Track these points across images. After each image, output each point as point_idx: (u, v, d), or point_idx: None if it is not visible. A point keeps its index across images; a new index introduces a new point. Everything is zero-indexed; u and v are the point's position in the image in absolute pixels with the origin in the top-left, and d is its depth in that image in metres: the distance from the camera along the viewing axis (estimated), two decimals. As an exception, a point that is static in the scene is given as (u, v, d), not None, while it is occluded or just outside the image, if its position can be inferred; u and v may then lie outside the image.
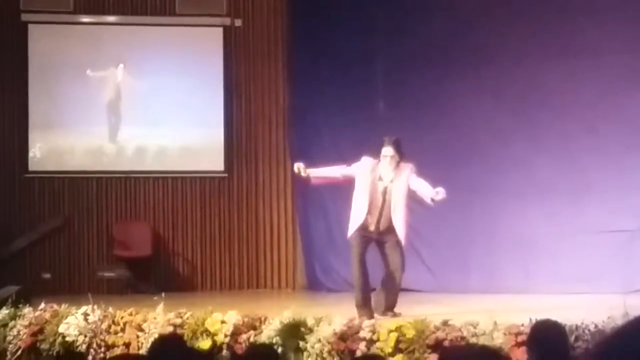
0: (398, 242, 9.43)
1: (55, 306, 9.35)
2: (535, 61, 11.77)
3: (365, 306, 9.25)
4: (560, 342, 5.63)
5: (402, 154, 9.47)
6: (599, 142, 11.38)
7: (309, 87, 13.24)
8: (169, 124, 13.71)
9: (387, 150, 9.42)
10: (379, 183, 9.42)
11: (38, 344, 9.05)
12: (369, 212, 9.38)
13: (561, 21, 11.69)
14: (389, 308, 9.46)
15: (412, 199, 9.55)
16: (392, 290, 9.57)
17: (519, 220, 11.73)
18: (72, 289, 13.00)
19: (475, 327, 7.21)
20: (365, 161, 9.54)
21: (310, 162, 10.20)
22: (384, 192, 9.39)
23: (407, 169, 9.45)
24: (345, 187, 9.82)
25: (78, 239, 13.57)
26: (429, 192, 9.30)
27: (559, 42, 11.65)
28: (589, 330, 6.88)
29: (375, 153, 9.53)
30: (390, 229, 9.40)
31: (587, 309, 7.64)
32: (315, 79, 13.14)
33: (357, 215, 9.43)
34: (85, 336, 8.79)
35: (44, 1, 13.68)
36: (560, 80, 11.63)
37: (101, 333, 8.76)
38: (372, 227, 9.41)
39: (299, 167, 9.73)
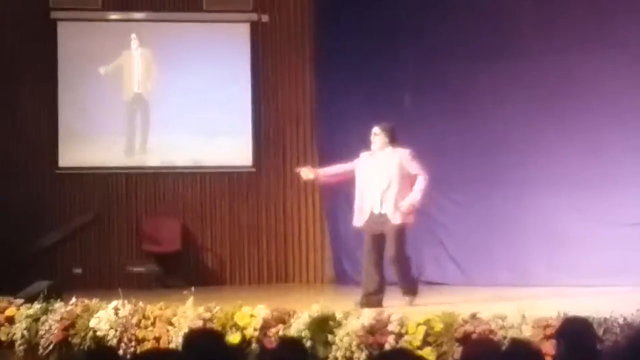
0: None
1: (86, 301, 9.40)
2: (564, 54, 11.71)
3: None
4: (589, 337, 5.66)
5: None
6: (627, 134, 11.31)
7: (335, 82, 13.25)
8: (198, 120, 13.76)
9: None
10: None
11: (69, 339, 9.11)
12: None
13: (590, 13, 11.62)
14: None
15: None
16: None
17: (546, 212, 11.70)
18: (102, 283, 13.07)
19: (503, 320, 7.21)
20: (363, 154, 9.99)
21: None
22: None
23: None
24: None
25: (108, 234, 13.66)
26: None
27: (588, 35, 11.56)
28: (617, 322, 6.87)
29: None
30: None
31: (616, 302, 7.62)
32: (342, 74, 13.14)
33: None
34: (116, 330, 8.85)
35: (73, -1, 13.82)
36: (588, 73, 11.56)
37: (132, 327, 8.80)
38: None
39: (305, 171, 10.24)
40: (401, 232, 9.69)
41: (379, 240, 9.75)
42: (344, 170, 10.14)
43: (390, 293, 9.97)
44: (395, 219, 9.63)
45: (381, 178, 9.71)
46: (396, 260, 9.67)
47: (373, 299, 9.53)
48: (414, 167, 9.73)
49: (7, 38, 13.57)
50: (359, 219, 9.89)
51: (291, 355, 5.32)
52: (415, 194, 9.68)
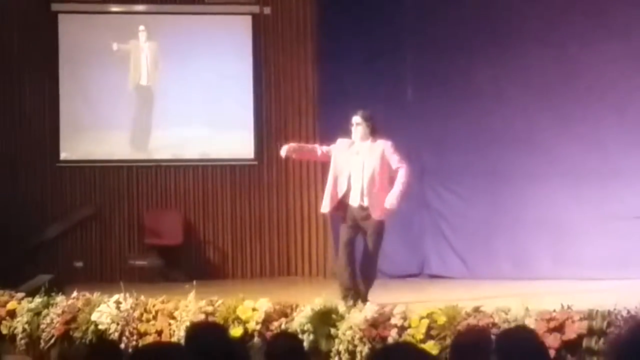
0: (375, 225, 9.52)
1: (88, 294, 9.40)
2: (564, 45, 11.71)
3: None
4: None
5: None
6: (629, 126, 11.31)
7: (338, 75, 13.20)
8: (200, 113, 13.73)
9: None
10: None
11: (71, 332, 9.10)
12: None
13: (590, 6, 11.61)
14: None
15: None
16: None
17: (549, 205, 11.69)
18: (104, 277, 13.08)
19: (506, 313, 7.19)
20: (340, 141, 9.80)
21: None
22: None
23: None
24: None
25: (109, 227, 13.64)
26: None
27: (588, 26, 11.57)
28: (621, 315, 6.85)
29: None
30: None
31: (619, 294, 7.59)
32: (344, 66, 13.09)
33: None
34: (118, 324, 8.84)
35: (74, -10, 13.79)
36: (589, 66, 11.56)
37: (133, 321, 8.79)
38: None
39: (283, 149, 9.90)
40: (382, 229, 9.51)
41: (355, 233, 9.57)
42: (319, 151, 9.99)
43: (392, 286, 9.94)
44: (378, 214, 9.43)
45: (363, 171, 9.48)
46: (372, 257, 9.51)
47: (357, 292, 9.32)
48: (395, 160, 9.48)
49: (7, 30, 13.54)
50: (327, 205, 9.70)
51: (286, 349, 5.25)
52: (398, 188, 9.40)
